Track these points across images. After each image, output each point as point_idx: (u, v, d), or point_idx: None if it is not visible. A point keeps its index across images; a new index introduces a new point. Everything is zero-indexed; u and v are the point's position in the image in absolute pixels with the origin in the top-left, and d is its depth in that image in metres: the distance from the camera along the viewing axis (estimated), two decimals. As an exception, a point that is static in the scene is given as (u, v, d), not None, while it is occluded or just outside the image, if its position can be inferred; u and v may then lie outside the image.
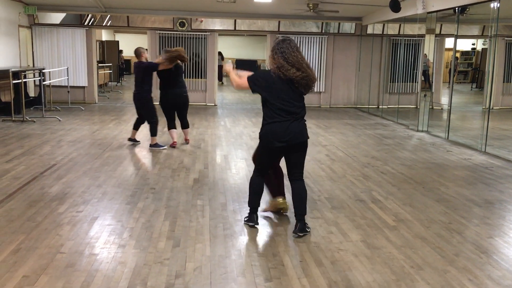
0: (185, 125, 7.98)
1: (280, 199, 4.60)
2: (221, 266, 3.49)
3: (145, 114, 7.66)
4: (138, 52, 7.56)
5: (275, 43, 4.14)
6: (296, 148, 4.11)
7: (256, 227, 4.29)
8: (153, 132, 7.66)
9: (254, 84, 4.13)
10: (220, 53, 23.78)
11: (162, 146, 7.68)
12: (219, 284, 3.21)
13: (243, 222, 4.38)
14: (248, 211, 4.38)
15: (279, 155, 4.30)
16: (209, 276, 3.33)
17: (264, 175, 4.38)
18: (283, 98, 4.03)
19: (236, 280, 3.28)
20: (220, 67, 24.09)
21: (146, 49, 8.05)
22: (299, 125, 4.08)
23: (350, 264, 3.58)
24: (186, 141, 8.10)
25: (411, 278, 3.37)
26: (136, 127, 7.84)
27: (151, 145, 7.66)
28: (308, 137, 4.18)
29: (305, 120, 4.18)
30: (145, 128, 7.97)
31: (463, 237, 4.20)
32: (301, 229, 4.12)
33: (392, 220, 4.57)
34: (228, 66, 4.40)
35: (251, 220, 4.31)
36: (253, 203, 4.35)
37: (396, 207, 4.99)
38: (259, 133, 4.22)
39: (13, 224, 4.21)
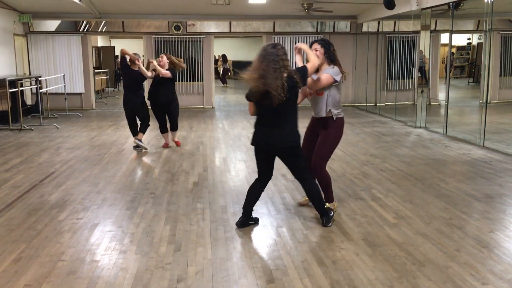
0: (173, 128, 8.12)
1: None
2: (222, 269, 3.49)
3: (141, 115, 7.76)
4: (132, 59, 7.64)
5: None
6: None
7: (255, 227, 4.29)
8: (144, 130, 7.79)
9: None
10: (224, 56, 23.74)
11: (145, 148, 7.78)
12: (221, 287, 3.21)
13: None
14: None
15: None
16: (211, 279, 3.32)
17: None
18: None
19: (238, 283, 3.28)
20: (225, 70, 24.07)
21: (142, 56, 8.14)
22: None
23: (351, 262, 3.58)
24: (167, 146, 8.10)
25: (413, 275, 3.37)
26: (135, 132, 7.82)
27: (136, 139, 7.73)
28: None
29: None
30: (149, 134, 7.99)
31: (464, 232, 4.20)
32: (324, 221, 4.36)
33: (392, 217, 4.57)
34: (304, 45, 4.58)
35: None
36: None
37: (396, 204, 5.00)
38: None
39: (13, 233, 4.20)
